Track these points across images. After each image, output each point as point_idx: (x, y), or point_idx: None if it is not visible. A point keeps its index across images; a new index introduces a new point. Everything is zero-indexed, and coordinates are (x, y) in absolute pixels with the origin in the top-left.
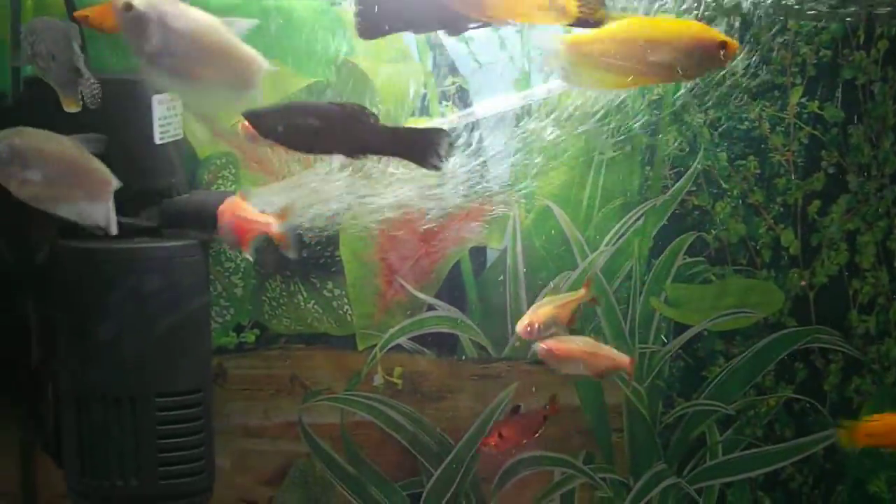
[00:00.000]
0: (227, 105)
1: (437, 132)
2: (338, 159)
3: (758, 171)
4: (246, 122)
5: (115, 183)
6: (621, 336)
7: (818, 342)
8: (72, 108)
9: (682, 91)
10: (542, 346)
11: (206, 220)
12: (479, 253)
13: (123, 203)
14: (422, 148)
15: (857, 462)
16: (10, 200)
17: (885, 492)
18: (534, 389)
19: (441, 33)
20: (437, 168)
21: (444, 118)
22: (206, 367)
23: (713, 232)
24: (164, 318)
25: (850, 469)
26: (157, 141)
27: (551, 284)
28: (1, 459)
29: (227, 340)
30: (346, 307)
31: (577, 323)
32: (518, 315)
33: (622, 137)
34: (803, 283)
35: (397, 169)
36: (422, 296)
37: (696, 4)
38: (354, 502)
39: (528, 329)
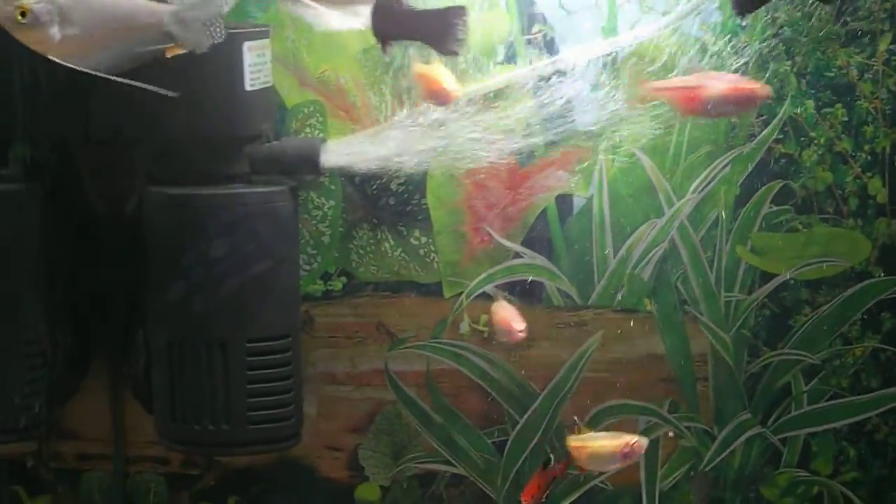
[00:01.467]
0: None
1: (454, 12)
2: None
3: (845, 119)
4: None
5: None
6: (707, 284)
7: None
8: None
9: (768, 37)
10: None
11: (296, 165)
12: (565, 201)
13: (215, 149)
14: (441, 31)
15: None
16: (96, 151)
17: None
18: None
19: None
20: (454, 54)
21: (532, 65)
22: (294, 313)
23: (800, 180)
24: (254, 264)
25: None
26: (248, 88)
27: None
28: (92, 406)
29: (315, 288)
30: (433, 255)
31: None
32: (604, 263)
33: None
34: None
35: (484, 115)
36: (508, 243)
37: None
38: (440, 450)
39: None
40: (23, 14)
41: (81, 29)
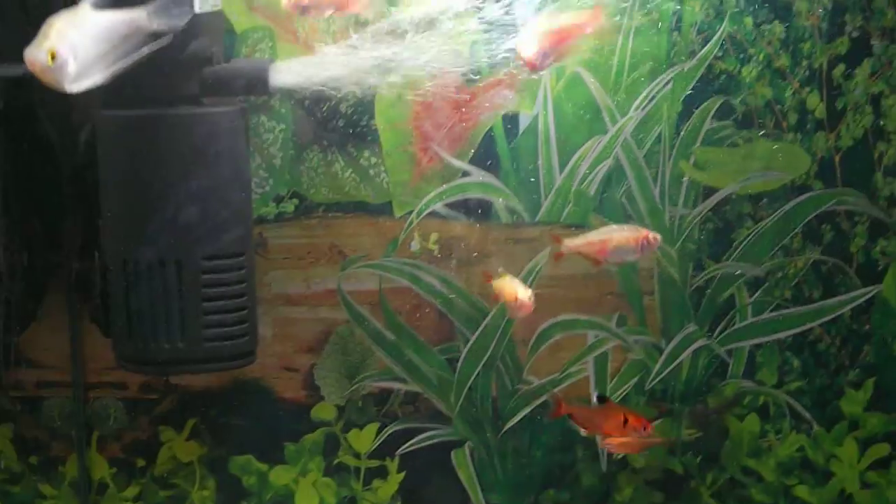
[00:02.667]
0: None
1: None
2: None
3: (783, 36)
4: None
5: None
6: (651, 199)
7: (844, 204)
8: None
9: None
10: None
11: (245, 86)
12: (511, 119)
13: (165, 69)
14: None
15: (883, 323)
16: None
17: None
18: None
19: None
20: None
21: None
22: (247, 233)
23: (740, 96)
24: (206, 184)
25: (877, 330)
26: (197, 9)
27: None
28: (50, 333)
29: (267, 210)
30: (383, 175)
31: None
32: (551, 180)
33: (650, 4)
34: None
35: (430, 38)
36: (456, 162)
37: None
38: (394, 368)
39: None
40: (52, 57)
41: (87, 59)
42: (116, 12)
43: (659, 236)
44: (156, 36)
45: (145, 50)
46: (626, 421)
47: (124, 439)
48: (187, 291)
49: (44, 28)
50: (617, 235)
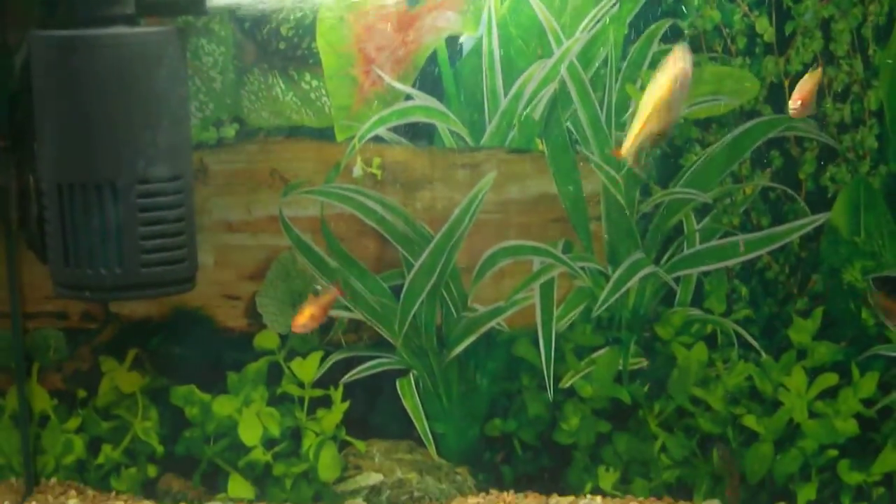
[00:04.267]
0: None
1: None
2: None
3: None
4: None
5: None
6: (597, 123)
7: (793, 131)
8: None
9: None
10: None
11: (182, 6)
12: (454, 42)
13: None
14: None
15: (832, 251)
16: None
17: (860, 280)
18: None
19: None
20: None
21: None
22: (185, 156)
23: (688, 19)
24: (143, 107)
25: (826, 258)
26: None
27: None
28: None
29: (208, 136)
30: (324, 99)
31: None
32: (496, 104)
33: None
34: None
35: None
36: (399, 85)
37: None
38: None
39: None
40: None
41: None
42: None
43: None
44: None
45: None
46: None
47: (65, 370)
48: (123, 216)
49: None
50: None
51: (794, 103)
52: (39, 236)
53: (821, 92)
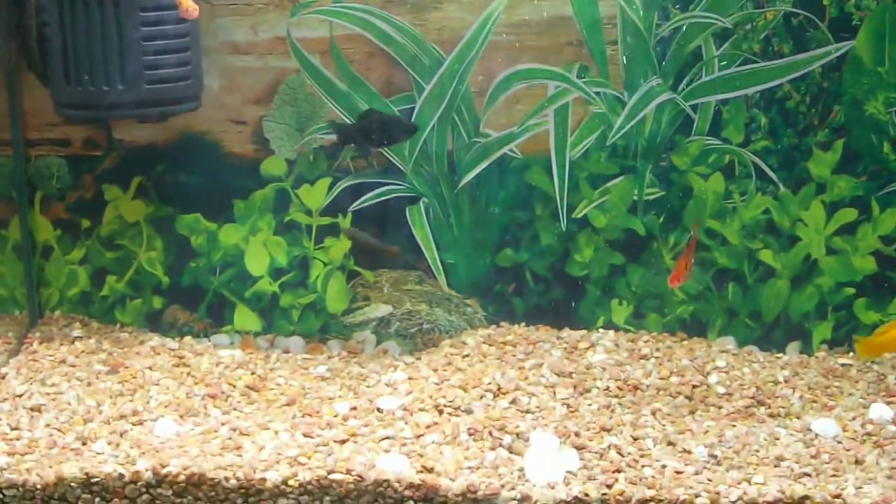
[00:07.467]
0: None
1: None
2: None
3: None
4: None
5: None
6: None
7: None
8: None
9: None
10: None
11: None
12: None
13: None
14: None
15: (855, 82)
16: None
17: (883, 113)
18: None
19: None
20: None
21: None
22: None
23: None
24: None
25: (848, 89)
26: None
27: None
28: None
29: None
30: None
31: None
32: None
33: None
34: None
35: None
36: None
37: None
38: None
39: None
40: None
41: None
42: None
43: None
44: None
45: None
46: None
47: (68, 199)
48: (126, 30)
49: None
50: None
51: None
52: (39, 55)
53: None
